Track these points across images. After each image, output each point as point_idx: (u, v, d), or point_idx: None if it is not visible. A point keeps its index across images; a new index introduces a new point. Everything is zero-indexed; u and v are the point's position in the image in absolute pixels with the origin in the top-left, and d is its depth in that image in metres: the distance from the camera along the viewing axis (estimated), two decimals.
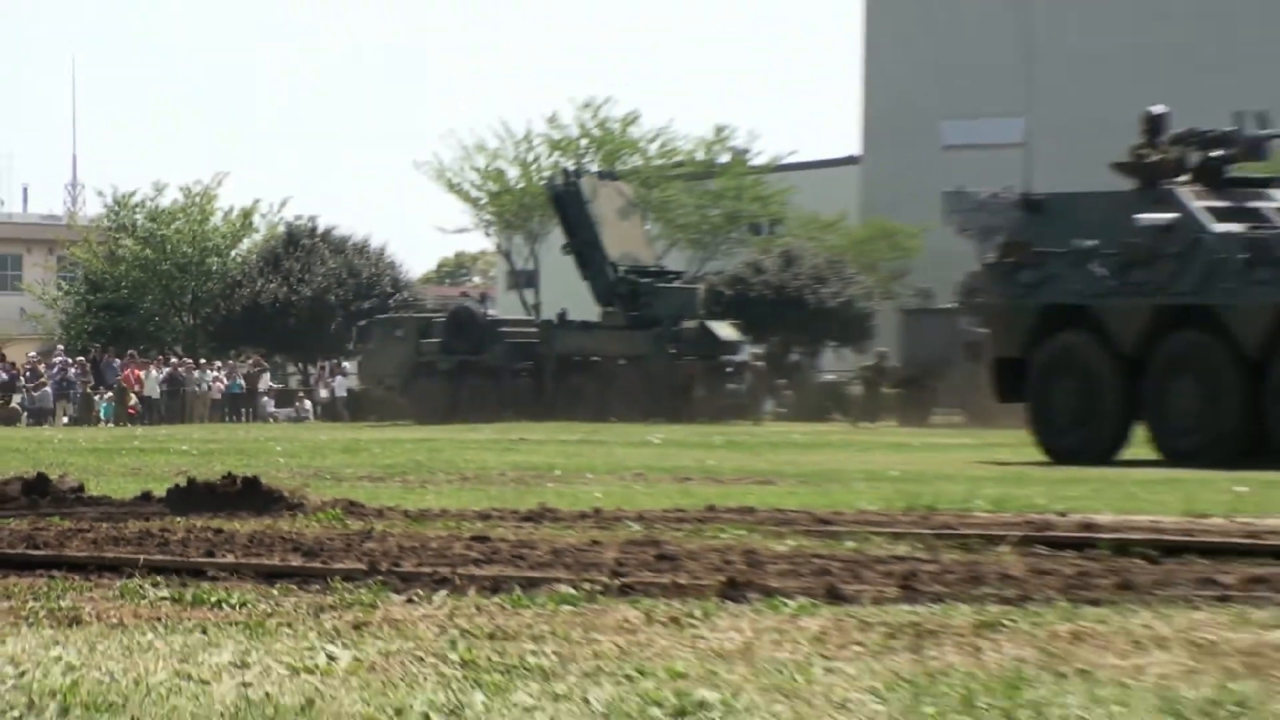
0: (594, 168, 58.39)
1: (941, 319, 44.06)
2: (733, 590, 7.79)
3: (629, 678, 5.64)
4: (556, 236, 55.93)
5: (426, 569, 8.75)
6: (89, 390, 57.05)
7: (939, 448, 28.94)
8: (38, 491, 13.46)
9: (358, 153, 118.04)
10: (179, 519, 11.99)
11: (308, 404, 61.05)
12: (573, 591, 7.83)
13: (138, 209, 73.19)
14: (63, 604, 7.68)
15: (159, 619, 7.15)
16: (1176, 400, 24.39)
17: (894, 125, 67.60)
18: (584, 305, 52.31)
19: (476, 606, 7.52)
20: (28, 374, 57.82)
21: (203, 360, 61.48)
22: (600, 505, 13.26)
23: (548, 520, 12.09)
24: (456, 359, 49.05)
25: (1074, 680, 5.55)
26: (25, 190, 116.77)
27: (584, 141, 65.66)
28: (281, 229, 68.27)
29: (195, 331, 67.87)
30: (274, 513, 12.48)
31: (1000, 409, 29.57)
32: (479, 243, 78.60)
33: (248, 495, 12.95)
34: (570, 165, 59.00)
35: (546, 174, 60.09)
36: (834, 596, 7.66)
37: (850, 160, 71.12)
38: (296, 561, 9.24)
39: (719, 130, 66.04)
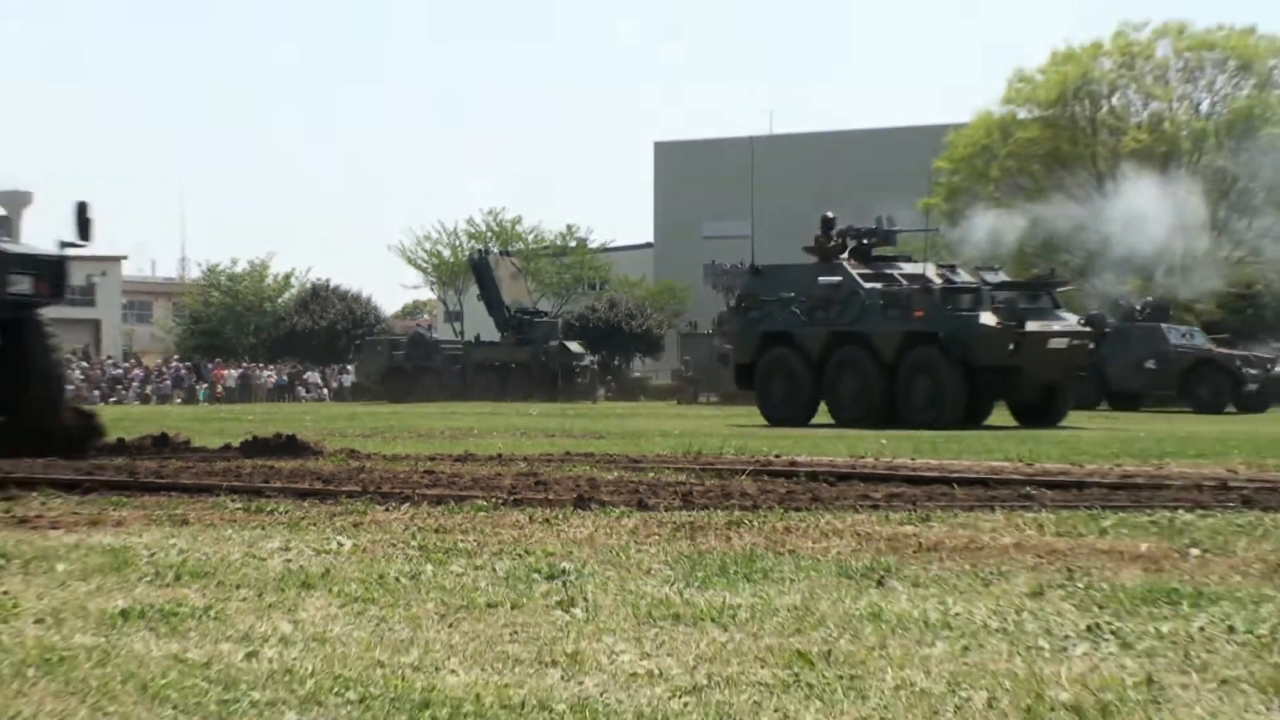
0: (495, 249, 79.44)
1: (704, 340, 59.16)
2: (581, 503, 9.91)
3: (519, 555, 7.44)
4: (473, 290, 73.40)
5: (397, 490, 10.77)
6: (193, 383, 74.58)
7: (704, 418, 36.58)
8: (161, 444, 16.34)
9: (352, 235, 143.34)
10: (247, 461, 14.55)
11: (325, 391, 75.55)
12: (484, 503, 9.89)
13: (221, 273, 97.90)
14: (176, 512, 9.53)
15: (234, 521, 9.07)
16: (844, 388, 32.31)
17: (673, 223, 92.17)
18: (489, 331, 68.26)
19: (427, 513, 9.38)
20: (156, 373, 75.73)
21: (261, 364, 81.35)
22: (501, 452, 15.92)
23: (469, 461, 14.49)
24: (413, 364, 63.39)
25: (786, 556, 7.42)
26: (153, 262, 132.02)
27: (489, 234, 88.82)
28: (308, 285, 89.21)
29: (257, 347, 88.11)
30: (305, 457, 15.11)
31: (740, 395, 39.19)
32: (427, 294, 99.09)
33: (289, 446, 15.83)
34: (481, 247, 78.36)
35: (467, 252, 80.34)
36: (641, 506, 9.70)
37: (648, 245, 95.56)
38: (318, 486, 11.24)
39: (569, 227, 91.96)
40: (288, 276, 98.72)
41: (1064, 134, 61.23)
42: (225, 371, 79.29)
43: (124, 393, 70.29)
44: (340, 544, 7.81)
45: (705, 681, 4.67)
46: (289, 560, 7.24)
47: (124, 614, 5.80)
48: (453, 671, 4.81)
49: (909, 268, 33.15)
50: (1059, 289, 34.04)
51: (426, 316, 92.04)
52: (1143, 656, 5.06)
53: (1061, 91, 61.43)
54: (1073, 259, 52.43)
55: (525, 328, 64.78)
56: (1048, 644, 5.24)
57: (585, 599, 6.11)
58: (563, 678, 4.74)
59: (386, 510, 9.50)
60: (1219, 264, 57.05)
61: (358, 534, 8.28)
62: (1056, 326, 31.18)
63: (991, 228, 45.31)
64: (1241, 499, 10.15)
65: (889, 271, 32.79)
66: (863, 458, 15.00)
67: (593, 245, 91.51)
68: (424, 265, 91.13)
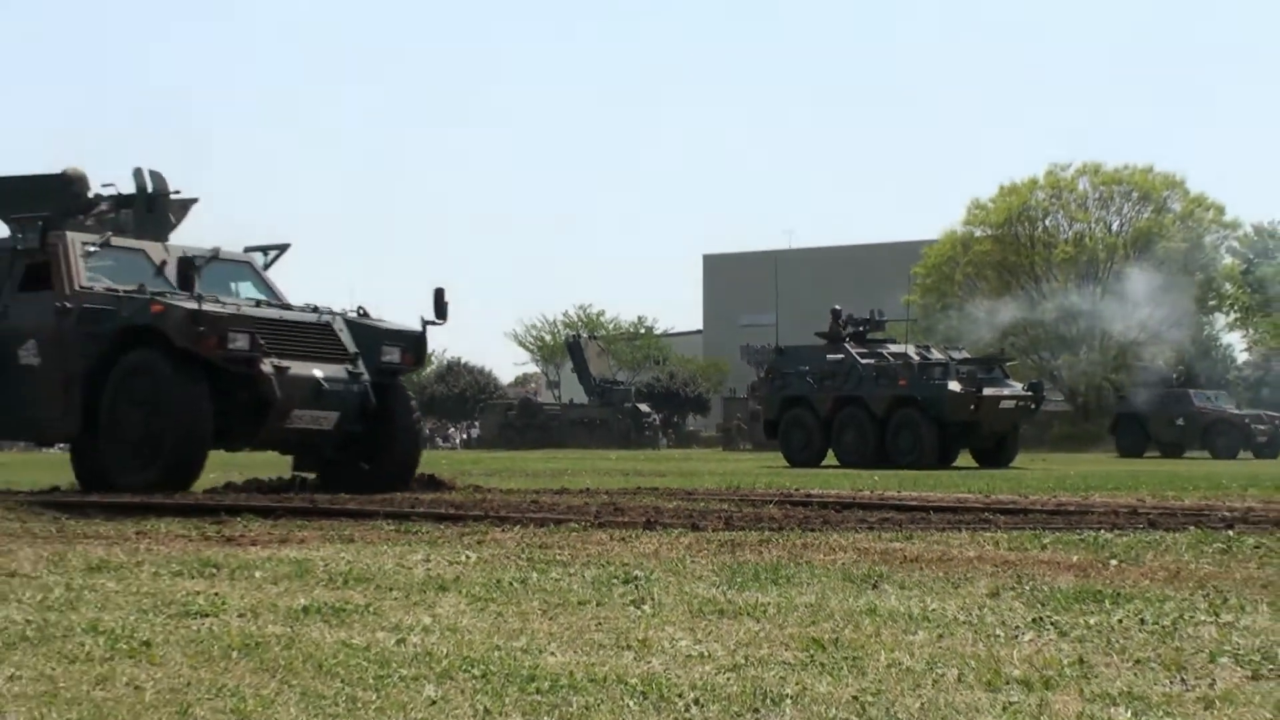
0: (584, 334, 76.83)
1: (741, 402, 59.19)
2: (648, 525, 9.80)
3: (602, 565, 7.32)
4: (568, 365, 72.92)
5: (510, 515, 10.60)
6: None
7: (741, 461, 36.35)
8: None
9: (475, 324, 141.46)
10: (399, 494, 14.07)
11: (457, 441, 78.39)
12: (576, 525, 9.77)
13: None
14: (344, 532, 9.51)
15: (388, 539, 8.99)
16: (846, 438, 31.92)
17: (717, 315, 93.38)
18: (580, 396, 68.96)
19: (533, 533, 9.25)
20: None
21: None
22: (588, 487, 15.63)
23: (565, 493, 14.23)
24: (522, 421, 62.83)
25: (804, 565, 7.30)
26: None
27: (579, 322, 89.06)
28: (445, 361, 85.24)
29: None
30: (442, 490, 14.84)
31: (768, 444, 37.54)
32: (533, 368, 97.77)
33: (430, 482, 15.41)
34: (574, 333, 77.60)
35: (564, 336, 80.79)
36: (694, 528, 9.54)
37: (699, 331, 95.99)
38: (452, 512, 11.05)
39: (639, 317, 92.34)
40: (430, 354, 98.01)
41: (1010, 248, 61.43)
42: None
43: None
44: (468, 556, 7.76)
45: (743, 661, 4.63)
46: (429, 569, 7.20)
47: (304, 610, 5.79)
48: (552, 653, 4.78)
49: (895, 348, 33.40)
50: (1007, 363, 34.62)
51: (533, 385, 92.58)
52: (1075, 642, 5.01)
53: (1008, 215, 61.72)
54: (1018, 341, 52.51)
55: (607, 393, 64.88)
56: (1002, 632, 5.19)
57: (651, 598, 6.06)
58: (634, 658, 4.70)
59: (502, 530, 9.44)
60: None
61: (481, 549, 8.21)
62: (1005, 391, 31.60)
63: (990, 309, 48.48)
64: (1148, 521, 10.05)
65: (880, 350, 32.96)
66: (861, 491, 14.93)
67: (657, 331, 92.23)
68: (531, 347, 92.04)
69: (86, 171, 15.62)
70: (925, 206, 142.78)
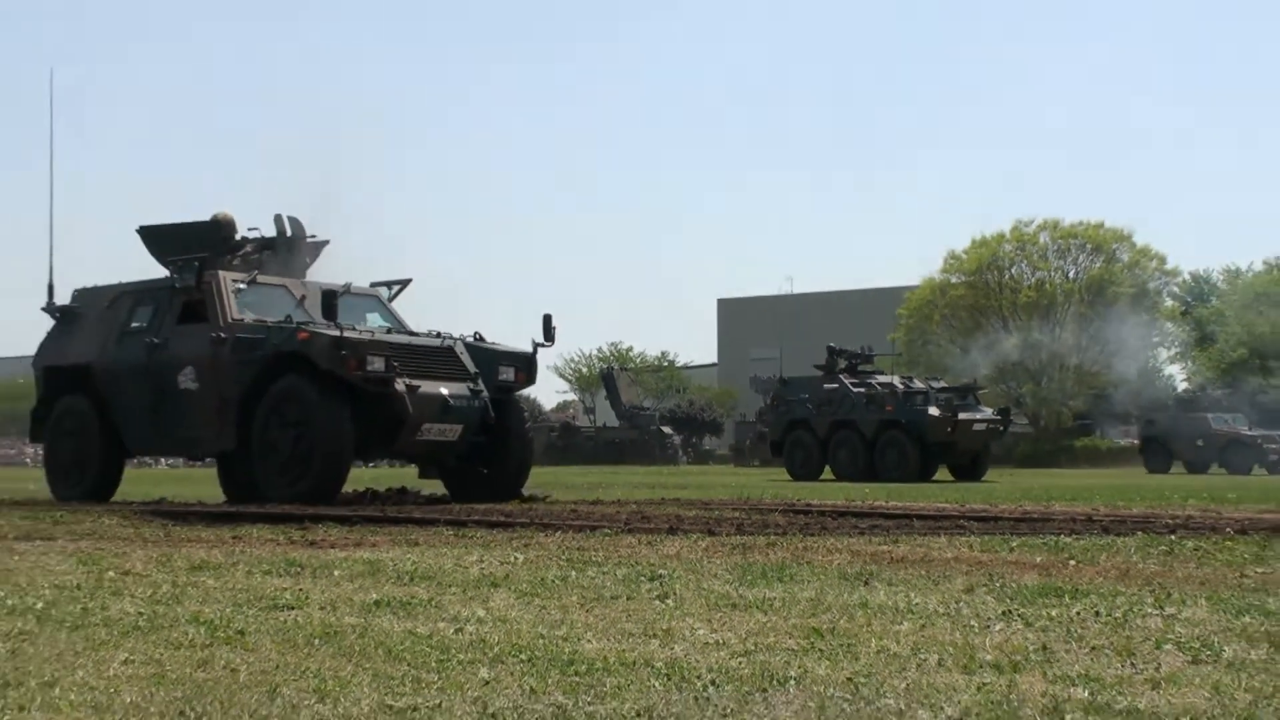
0: (616, 366, 75.95)
1: (750, 425, 57.66)
2: (671, 530, 9.73)
3: (632, 565, 7.28)
4: (602, 393, 72.63)
5: (552, 522, 10.61)
6: None
7: (750, 476, 35.49)
8: (401, 494, 15.30)
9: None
10: (456, 504, 13.82)
11: None
12: (609, 531, 9.72)
13: None
14: (410, 537, 9.44)
15: (447, 543, 8.92)
16: (841, 456, 31.58)
17: (730, 349, 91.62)
18: (612, 420, 67.96)
19: (572, 537, 9.18)
20: None
21: None
22: (619, 498, 15.52)
23: (599, 504, 13.91)
24: (563, 442, 61.62)
25: (805, 565, 7.22)
26: None
27: (611, 356, 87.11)
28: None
29: None
30: (493, 501, 14.12)
31: (773, 461, 36.61)
32: (572, 396, 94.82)
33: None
34: (608, 365, 77.14)
35: (599, 368, 79.86)
36: (710, 533, 9.49)
37: (714, 364, 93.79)
38: (502, 519, 11.01)
39: (663, 352, 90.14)
40: None
41: (980, 293, 61.29)
42: None
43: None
44: (516, 557, 7.73)
45: (753, 647, 4.62)
46: (483, 568, 7.18)
47: (376, 603, 5.79)
48: (589, 641, 4.78)
49: (882, 378, 33.36)
50: (979, 391, 34.40)
51: (571, 410, 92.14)
52: (1039, 631, 4.99)
53: (979, 264, 61.63)
54: (989, 373, 52.46)
55: (635, 418, 64.43)
56: (976, 623, 5.16)
57: (674, 594, 6.05)
58: (660, 645, 4.69)
59: (546, 535, 9.41)
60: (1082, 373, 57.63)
61: (527, 551, 8.18)
62: (978, 415, 31.52)
63: (987, 345, 50.03)
64: (1101, 528, 9.99)
65: (869, 380, 32.83)
66: (854, 501, 14.80)
67: (678, 364, 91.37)
68: (570, 378, 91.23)
69: (234, 216, 15.72)
70: (907, 256, 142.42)
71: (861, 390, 32.06)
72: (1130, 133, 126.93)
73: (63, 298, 16.46)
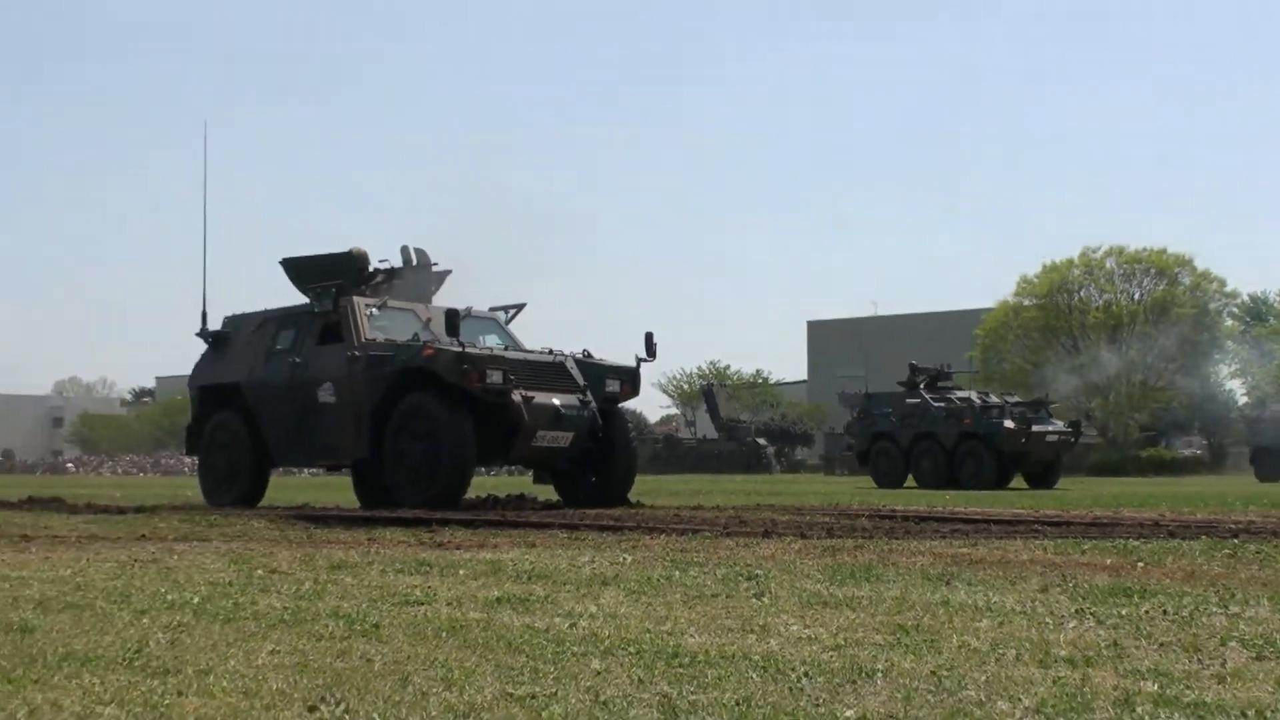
0: (715, 383, 76.62)
1: (839, 437, 53.21)
2: (766, 534, 9.61)
3: (730, 565, 7.19)
4: (703, 408, 72.43)
5: (658, 526, 10.50)
6: None
7: (839, 484, 34.02)
8: (520, 499, 15.37)
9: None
10: (570, 510, 13.70)
11: None
12: (709, 534, 9.65)
13: None
14: (528, 539, 9.41)
15: (562, 545, 8.86)
16: (923, 465, 30.95)
17: (819, 367, 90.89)
18: (712, 433, 67.29)
19: (676, 540, 9.13)
20: None
21: None
22: (718, 504, 15.29)
23: (700, 509, 13.84)
24: (667, 453, 61.45)
25: (891, 566, 7.03)
26: None
27: (711, 373, 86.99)
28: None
29: None
30: (603, 507, 14.23)
31: (860, 470, 35.82)
32: (674, 410, 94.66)
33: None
34: (708, 382, 77.07)
35: (700, 384, 79.43)
36: (803, 536, 9.35)
37: (804, 381, 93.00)
38: (611, 523, 10.94)
39: (758, 370, 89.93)
40: None
41: (1051, 315, 60.69)
42: None
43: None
44: (624, 558, 7.70)
45: (843, 642, 4.57)
46: (594, 568, 7.15)
47: (498, 600, 5.80)
48: (691, 635, 4.75)
49: (960, 393, 33.01)
50: (1050, 405, 33.76)
51: (674, 424, 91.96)
52: (1110, 629, 4.89)
53: (1050, 288, 61.02)
54: (1061, 389, 51.77)
55: (733, 430, 64.15)
56: (1051, 621, 5.07)
57: (770, 592, 6.00)
58: (756, 639, 4.66)
59: (652, 538, 9.37)
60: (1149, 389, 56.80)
61: (635, 552, 8.15)
62: (1050, 428, 30.95)
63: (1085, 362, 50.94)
64: (1168, 532, 9.79)
65: (949, 395, 32.50)
66: (935, 507, 14.62)
67: (772, 381, 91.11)
68: (672, 394, 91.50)
69: (367, 250, 15.95)
70: (983, 281, 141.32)
71: (941, 405, 31.71)
72: (1191, 162, 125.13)
73: (215, 324, 16.79)
